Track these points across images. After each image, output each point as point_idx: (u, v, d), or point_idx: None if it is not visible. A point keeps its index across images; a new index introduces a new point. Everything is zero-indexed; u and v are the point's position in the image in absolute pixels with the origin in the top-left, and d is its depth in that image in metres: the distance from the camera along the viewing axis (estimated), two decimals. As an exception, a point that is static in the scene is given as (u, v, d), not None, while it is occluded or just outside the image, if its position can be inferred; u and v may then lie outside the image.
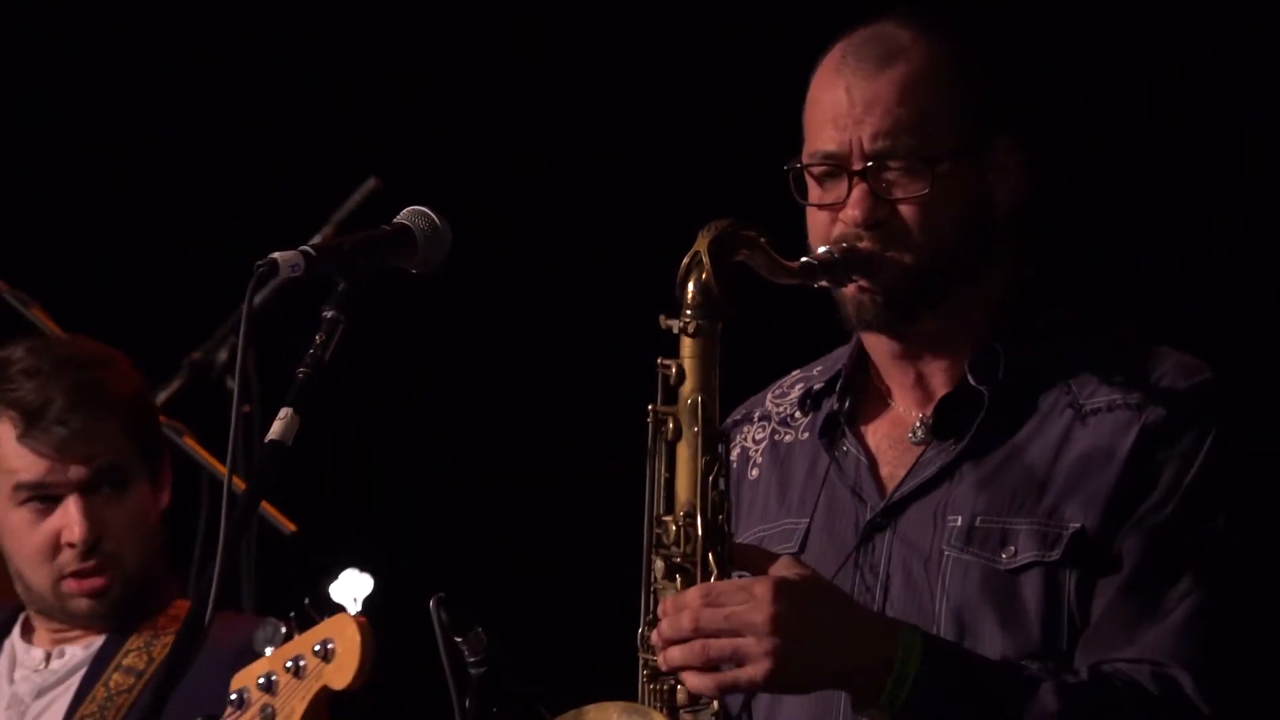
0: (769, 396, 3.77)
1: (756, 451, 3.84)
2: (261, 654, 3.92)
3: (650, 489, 3.57)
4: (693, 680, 3.51)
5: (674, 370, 3.55)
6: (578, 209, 5.97)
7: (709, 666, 3.54)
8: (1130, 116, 6.09)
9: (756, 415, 3.82)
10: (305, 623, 3.88)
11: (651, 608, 3.58)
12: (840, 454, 3.69)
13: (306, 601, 3.85)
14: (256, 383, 3.71)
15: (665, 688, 3.60)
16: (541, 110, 6.68)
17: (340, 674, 3.88)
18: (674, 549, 3.57)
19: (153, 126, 6.60)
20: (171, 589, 4.52)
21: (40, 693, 4.53)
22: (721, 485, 3.56)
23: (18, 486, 4.38)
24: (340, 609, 3.88)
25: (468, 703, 3.58)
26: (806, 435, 3.73)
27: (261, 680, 3.92)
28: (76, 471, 4.38)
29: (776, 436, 3.83)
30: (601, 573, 3.82)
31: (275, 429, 3.45)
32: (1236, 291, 5.99)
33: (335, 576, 4.10)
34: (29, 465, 4.39)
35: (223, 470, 3.70)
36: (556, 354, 5.22)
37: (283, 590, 3.90)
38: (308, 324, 3.54)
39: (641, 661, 3.57)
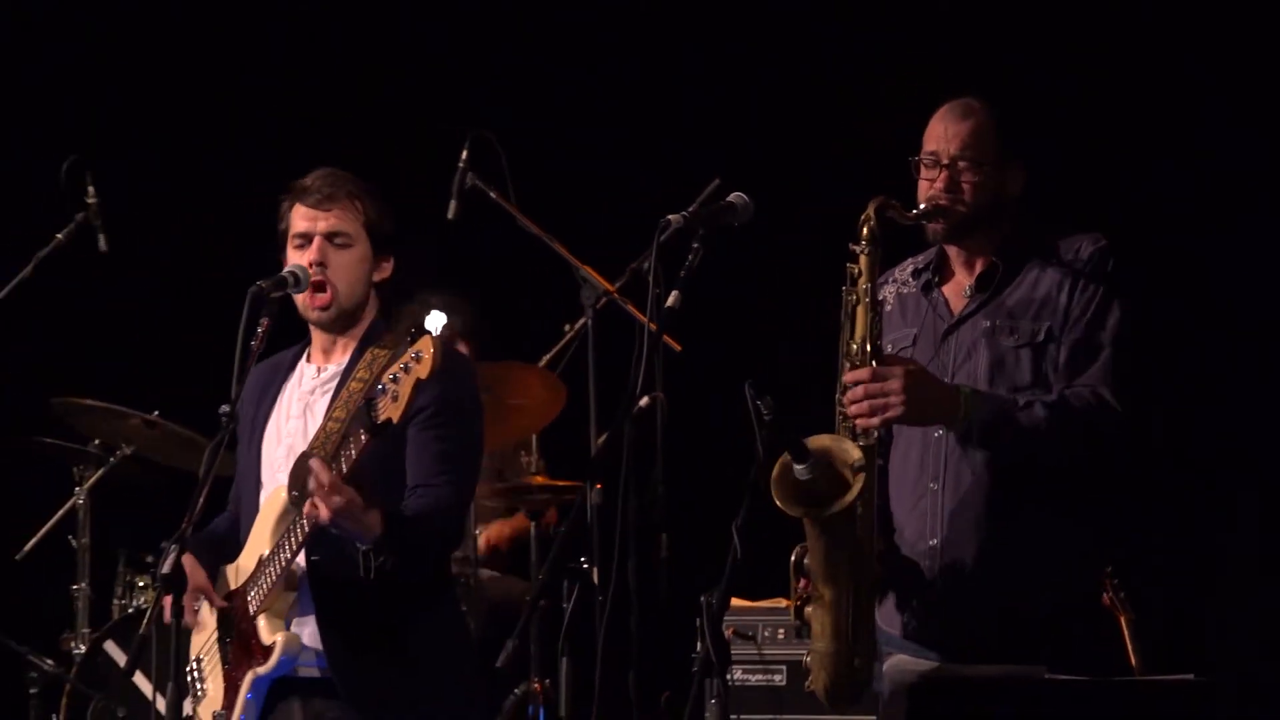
0: (896, 270, 4.16)
1: (893, 296, 4.13)
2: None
3: (843, 328, 3.94)
4: (861, 421, 3.85)
5: (856, 270, 3.94)
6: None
7: (870, 413, 3.85)
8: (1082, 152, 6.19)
9: (891, 279, 4.14)
10: (414, 340, 3.97)
11: (843, 385, 3.91)
12: (931, 299, 4.10)
13: (413, 330, 4.00)
14: (662, 279, 3.71)
15: (850, 424, 3.90)
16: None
17: (424, 369, 3.95)
18: (855, 357, 3.92)
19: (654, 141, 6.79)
20: (386, 331, 4.38)
21: (314, 390, 4.38)
22: (878, 325, 3.92)
23: (293, 235, 4.37)
24: (426, 333, 4.00)
25: (763, 434, 3.70)
26: (917, 290, 4.11)
27: (392, 375, 3.99)
28: (320, 225, 4.31)
29: (902, 290, 4.14)
30: (819, 369, 4.11)
31: (670, 300, 3.79)
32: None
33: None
34: (297, 221, 4.35)
35: (644, 319, 3.77)
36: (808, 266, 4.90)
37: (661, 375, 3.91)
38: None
39: (838, 411, 3.92)
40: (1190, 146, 6.15)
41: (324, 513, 4.00)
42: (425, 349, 3.91)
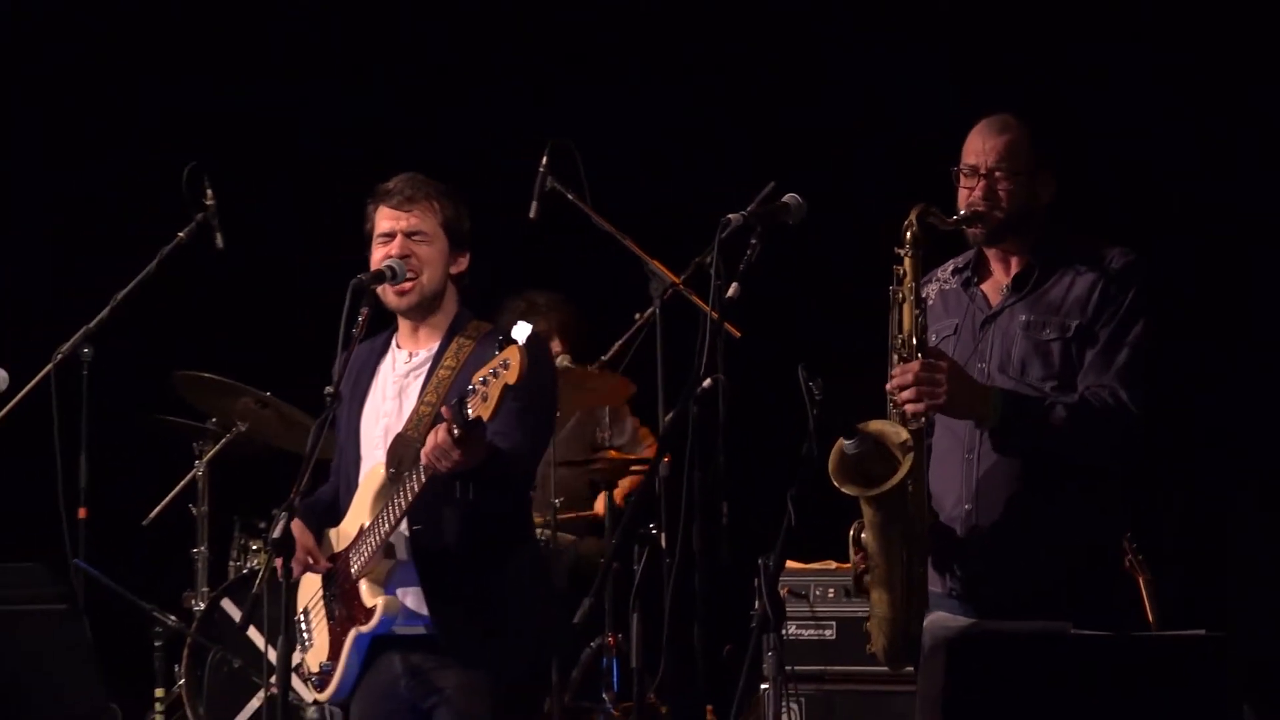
0: (938, 270, 4.22)
1: (935, 292, 4.20)
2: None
3: (891, 322, 4.02)
4: (910, 408, 3.90)
5: (901, 270, 4.01)
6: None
7: (918, 399, 3.90)
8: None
9: (934, 279, 4.21)
10: (501, 347, 4.06)
11: (893, 375, 3.96)
12: (971, 293, 4.16)
13: (500, 337, 4.06)
14: (723, 272, 3.73)
15: (899, 410, 3.94)
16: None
17: (511, 375, 4.05)
18: (902, 350, 3.99)
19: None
20: (470, 320, 4.46)
21: (408, 374, 4.45)
22: (922, 320, 4.00)
23: (378, 234, 4.45)
24: (513, 342, 4.08)
25: (815, 412, 3.77)
26: (958, 287, 4.18)
27: (482, 379, 4.11)
28: (401, 224, 4.39)
29: (945, 287, 4.20)
30: (865, 354, 4.16)
31: (730, 291, 3.82)
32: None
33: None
34: (381, 221, 4.44)
35: (706, 309, 3.81)
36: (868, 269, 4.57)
37: (722, 356, 3.94)
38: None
39: (889, 398, 3.97)
40: (1191, 146, 6.15)
41: (445, 464, 4.12)
42: (512, 357, 4.04)
